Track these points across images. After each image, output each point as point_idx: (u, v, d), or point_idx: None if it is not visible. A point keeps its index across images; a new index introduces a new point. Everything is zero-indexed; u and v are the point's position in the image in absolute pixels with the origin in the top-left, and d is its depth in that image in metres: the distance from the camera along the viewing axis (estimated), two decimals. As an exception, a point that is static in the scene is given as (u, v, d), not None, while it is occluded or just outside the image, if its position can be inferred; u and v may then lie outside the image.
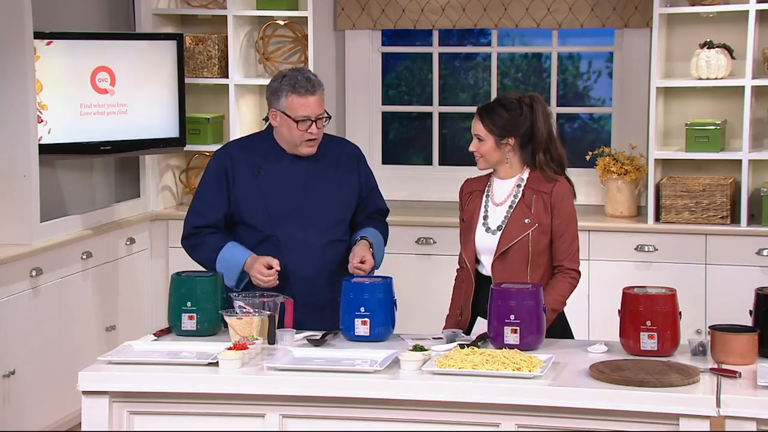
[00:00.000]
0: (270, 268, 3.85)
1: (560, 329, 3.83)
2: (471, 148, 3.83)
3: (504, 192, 3.85)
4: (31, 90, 4.94)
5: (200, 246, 3.96)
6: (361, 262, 3.90)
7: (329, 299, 3.86)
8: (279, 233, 3.91)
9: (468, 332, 3.80)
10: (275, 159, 3.95)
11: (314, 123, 3.89)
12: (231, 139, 5.53)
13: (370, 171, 4.12)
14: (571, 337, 3.90)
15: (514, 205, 3.81)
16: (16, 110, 4.90)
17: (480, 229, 3.84)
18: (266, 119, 4.02)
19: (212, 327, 3.75)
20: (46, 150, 5.17)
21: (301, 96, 3.86)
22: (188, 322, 3.72)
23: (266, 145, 3.97)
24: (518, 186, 3.83)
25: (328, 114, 3.95)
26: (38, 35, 5.07)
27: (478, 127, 3.81)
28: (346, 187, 4.01)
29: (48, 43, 5.24)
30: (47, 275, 4.99)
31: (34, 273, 4.90)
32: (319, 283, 3.93)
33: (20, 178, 4.93)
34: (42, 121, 5.20)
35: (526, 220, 3.78)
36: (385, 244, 4.13)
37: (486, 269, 3.83)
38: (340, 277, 3.83)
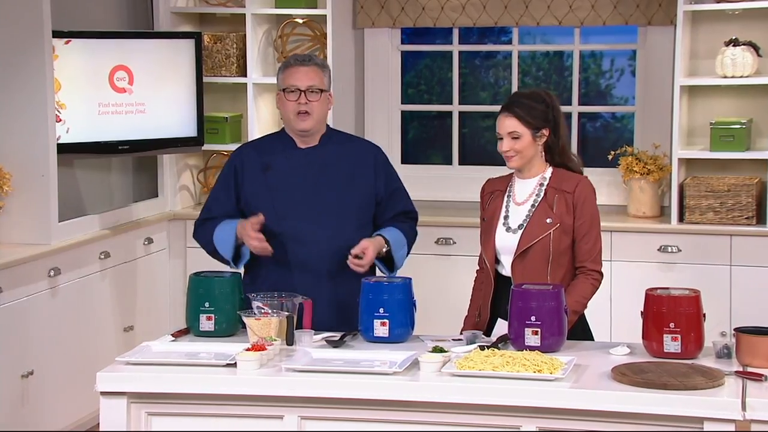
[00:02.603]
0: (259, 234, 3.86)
1: (580, 330, 3.80)
2: (504, 148, 3.75)
3: (526, 191, 3.82)
4: (50, 89, 4.94)
5: (202, 230, 4.01)
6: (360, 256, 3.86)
7: (334, 298, 3.85)
8: (285, 228, 3.91)
9: (487, 333, 3.78)
10: (286, 154, 3.96)
11: (303, 94, 3.90)
12: (249, 139, 5.51)
13: (392, 172, 4.08)
14: (591, 338, 3.87)
15: (536, 205, 3.78)
16: (34, 109, 4.90)
17: (500, 229, 3.81)
18: None
19: (230, 327, 3.74)
20: (64, 149, 5.17)
21: (290, 67, 3.93)
22: (206, 323, 3.71)
23: (279, 142, 4.00)
24: (541, 185, 3.81)
25: (324, 91, 3.92)
26: (57, 34, 5.08)
27: (512, 123, 3.74)
28: (359, 188, 3.98)
29: (66, 42, 5.24)
30: (65, 275, 4.99)
31: (52, 273, 4.90)
32: (324, 280, 3.90)
33: (38, 177, 4.94)
34: (60, 120, 5.20)
35: (548, 220, 3.75)
36: (410, 245, 4.08)
37: (506, 270, 3.80)
38: (346, 280, 3.83)
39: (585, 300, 3.76)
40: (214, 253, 4.00)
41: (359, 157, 4.00)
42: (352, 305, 3.77)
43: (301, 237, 3.91)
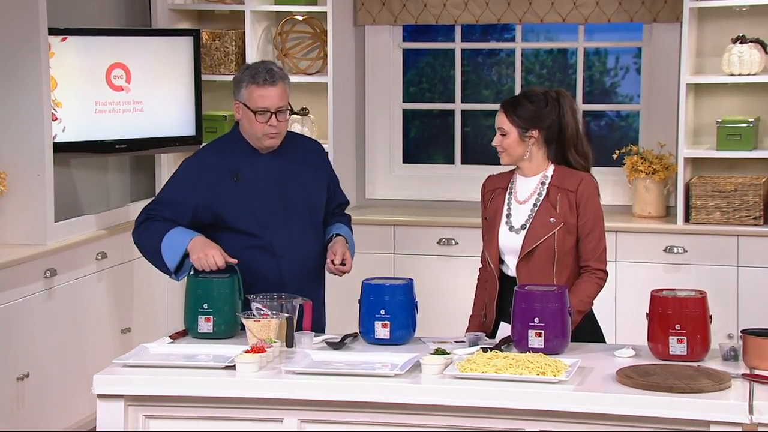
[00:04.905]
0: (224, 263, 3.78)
1: (590, 330, 3.78)
2: (494, 143, 3.79)
3: (528, 190, 3.78)
4: (45, 87, 4.91)
5: (148, 230, 3.85)
6: (342, 263, 3.90)
7: (319, 300, 3.87)
8: (270, 236, 3.88)
9: (493, 334, 3.75)
10: (250, 161, 3.91)
11: (274, 115, 3.85)
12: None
13: (331, 166, 4.14)
14: (602, 337, 3.84)
15: (538, 204, 3.75)
16: (29, 108, 4.87)
17: (503, 228, 3.77)
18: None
19: (229, 329, 3.71)
20: (60, 148, 5.15)
21: (260, 86, 3.84)
22: (204, 325, 3.69)
23: (238, 146, 3.93)
24: (542, 183, 3.77)
25: (291, 108, 3.93)
26: (53, 31, 5.04)
27: (501, 120, 3.76)
28: (318, 186, 4.01)
29: (63, 39, 5.21)
30: (61, 276, 4.95)
31: (48, 274, 4.86)
32: (308, 284, 3.91)
33: (34, 177, 4.91)
34: (56, 118, 5.17)
35: (552, 219, 3.71)
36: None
37: (510, 270, 3.77)
38: (319, 279, 3.88)
39: (589, 299, 3.73)
40: (153, 256, 3.85)
41: (310, 156, 4.01)
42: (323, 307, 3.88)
43: (286, 244, 3.89)
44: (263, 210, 3.88)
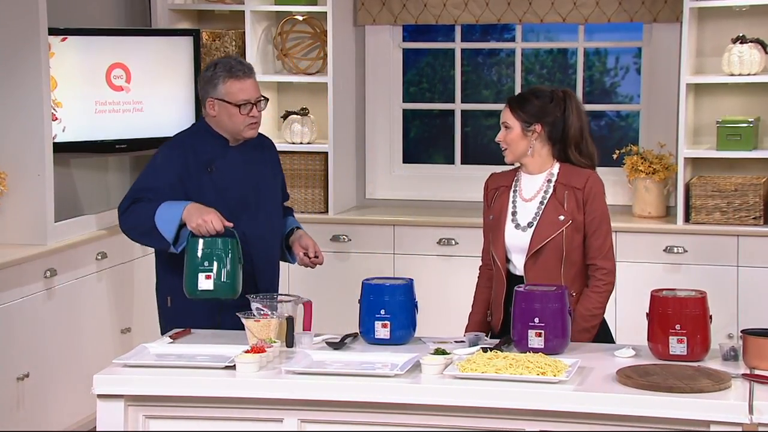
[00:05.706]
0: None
1: (602, 332, 3.77)
2: (498, 138, 3.79)
3: (533, 187, 3.78)
4: (46, 87, 4.91)
5: (136, 211, 3.85)
6: (316, 255, 4.02)
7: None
8: (242, 227, 3.90)
9: (502, 332, 3.73)
10: (222, 154, 3.94)
11: (254, 106, 3.90)
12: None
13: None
14: (612, 339, 3.84)
15: (545, 201, 3.74)
16: (30, 108, 4.87)
17: (509, 226, 3.77)
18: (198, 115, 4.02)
19: (228, 288, 3.73)
20: (60, 148, 5.15)
21: (239, 80, 3.88)
22: (205, 282, 3.70)
23: (209, 139, 3.95)
24: (549, 181, 3.77)
25: (265, 97, 3.97)
26: (53, 31, 5.04)
27: (506, 114, 3.76)
28: (277, 180, 4.09)
29: (63, 39, 5.21)
30: (61, 276, 4.95)
31: (48, 274, 4.86)
32: (274, 273, 4.00)
33: (34, 177, 4.91)
34: (56, 118, 5.17)
35: (561, 217, 3.71)
36: None
37: (517, 269, 3.76)
38: (278, 268, 3.98)
39: (590, 313, 3.70)
40: (148, 233, 3.84)
41: (266, 150, 4.08)
42: None
43: (256, 236, 3.93)
44: (235, 201, 3.92)
